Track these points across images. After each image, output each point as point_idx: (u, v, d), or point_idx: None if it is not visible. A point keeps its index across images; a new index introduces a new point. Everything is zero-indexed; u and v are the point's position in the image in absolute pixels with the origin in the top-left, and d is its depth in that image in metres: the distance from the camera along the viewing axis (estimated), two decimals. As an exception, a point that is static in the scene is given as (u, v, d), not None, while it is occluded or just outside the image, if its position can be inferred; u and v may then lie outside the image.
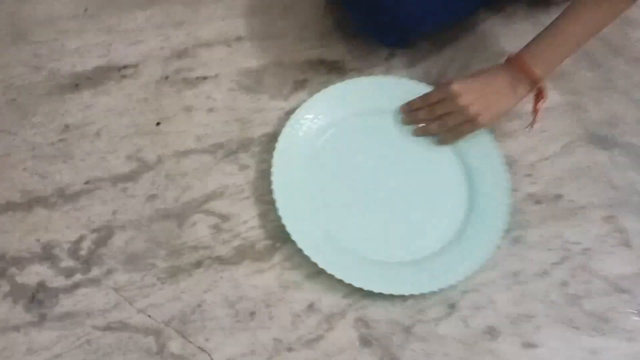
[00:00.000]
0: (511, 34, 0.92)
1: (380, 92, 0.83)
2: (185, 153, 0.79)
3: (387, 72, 0.87)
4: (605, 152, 0.84)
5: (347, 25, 0.88)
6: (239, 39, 0.87)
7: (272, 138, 0.80)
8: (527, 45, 0.75)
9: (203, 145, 0.80)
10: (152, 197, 0.76)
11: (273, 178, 0.75)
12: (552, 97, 0.88)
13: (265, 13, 0.90)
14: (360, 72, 0.87)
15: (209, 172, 0.78)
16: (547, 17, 0.92)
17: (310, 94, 0.82)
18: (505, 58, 0.76)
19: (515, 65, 0.74)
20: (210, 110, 0.82)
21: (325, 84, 0.84)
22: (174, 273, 0.72)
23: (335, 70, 0.87)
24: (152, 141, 0.79)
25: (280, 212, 0.73)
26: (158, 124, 0.81)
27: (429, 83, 0.85)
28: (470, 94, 0.76)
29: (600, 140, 0.85)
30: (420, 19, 0.79)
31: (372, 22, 0.79)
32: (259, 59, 0.86)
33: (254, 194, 0.77)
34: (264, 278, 0.73)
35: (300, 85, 0.85)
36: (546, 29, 0.74)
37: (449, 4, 0.80)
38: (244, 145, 0.80)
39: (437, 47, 0.89)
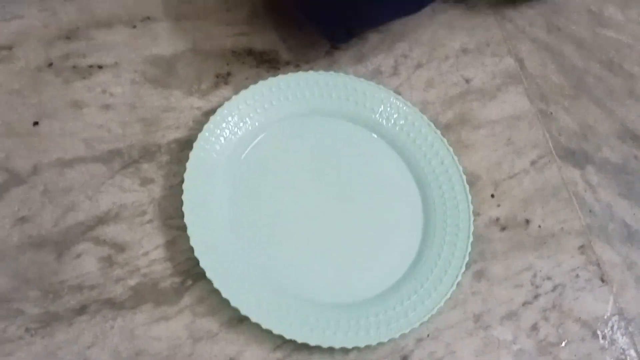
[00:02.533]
0: (472, 28, 0.82)
1: (321, 91, 0.71)
2: (71, 162, 0.63)
3: (330, 67, 0.74)
4: (577, 170, 0.75)
5: (283, 8, 0.75)
6: (146, 18, 0.72)
7: (185, 145, 0.66)
8: None
9: (95, 152, 0.64)
10: (22, 220, 0.60)
11: (185, 197, 0.61)
12: (521, 103, 0.78)
13: (182, -12, 0.75)
14: (296, 66, 0.74)
15: (102, 188, 0.63)
16: (512, 11, 0.83)
17: (235, 91, 0.69)
18: None
19: None
20: (106, 107, 0.67)
21: (254, 79, 0.70)
22: (48, 322, 0.57)
23: (266, 62, 0.73)
24: (26, 145, 0.63)
25: (193, 241, 0.59)
26: (36, 123, 0.64)
27: (379, 81, 0.74)
28: None
29: (573, 156, 0.76)
30: (374, 11, 0.67)
31: (319, 10, 0.66)
32: (172, 44, 0.72)
33: (159, 217, 0.63)
34: (169, 327, 0.58)
35: (222, 79, 0.71)
36: None
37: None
38: (149, 153, 0.65)
39: (388, 40, 0.78)
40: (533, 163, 0.75)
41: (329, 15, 0.67)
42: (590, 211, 0.73)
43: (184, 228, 0.59)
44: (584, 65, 0.83)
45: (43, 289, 0.58)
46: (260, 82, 0.69)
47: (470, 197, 0.68)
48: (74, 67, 0.68)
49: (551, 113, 0.78)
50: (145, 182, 0.64)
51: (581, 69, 0.82)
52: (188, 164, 0.63)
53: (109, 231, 0.61)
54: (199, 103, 0.69)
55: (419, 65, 0.77)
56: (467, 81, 0.78)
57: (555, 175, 0.74)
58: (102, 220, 0.62)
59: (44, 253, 0.59)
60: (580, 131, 0.78)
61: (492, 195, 0.72)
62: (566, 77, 0.81)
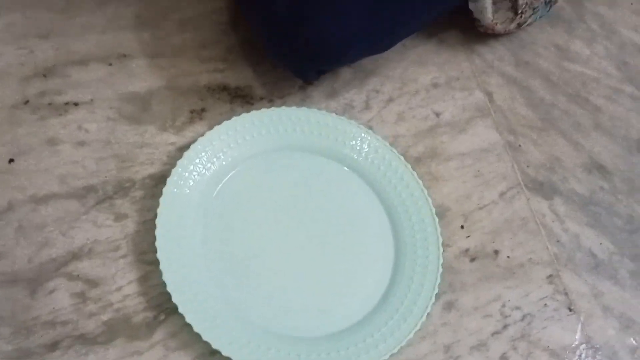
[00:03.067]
0: (442, 63, 0.85)
1: (294, 126, 0.73)
2: (45, 198, 0.65)
3: (303, 102, 0.77)
4: (545, 201, 0.77)
5: (256, 46, 0.78)
6: (122, 56, 0.74)
7: (159, 180, 0.68)
8: None
9: (69, 188, 0.66)
10: (-4, 257, 0.61)
11: (158, 232, 0.62)
12: (490, 136, 0.81)
13: (158, 26, 0.77)
14: (270, 101, 0.76)
15: (76, 223, 0.64)
16: (482, 46, 0.86)
17: (210, 127, 0.71)
18: None
19: None
20: (81, 144, 0.68)
21: (228, 115, 0.72)
22: (19, 359, 0.57)
23: (240, 98, 0.75)
24: (1, 183, 0.65)
25: (165, 276, 0.60)
26: (11, 160, 0.66)
27: (351, 116, 0.76)
28: None
29: (541, 187, 0.78)
30: (344, 53, 0.70)
31: (289, 53, 0.69)
32: (147, 81, 0.74)
33: (132, 252, 0.64)
34: (141, 361, 0.59)
35: (197, 115, 0.73)
36: None
37: (377, 36, 0.71)
38: (123, 188, 0.67)
39: (359, 76, 0.80)
40: (502, 195, 0.77)
41: (298, 58, 0.69)
42: (557, 241, 0.75)
43: (157, 263, 0.61)
44: (551, 98, 0.86)
45: (15, 326, 0.59)
46: (234, 118, 0.71)
47: (439, 229, 0.70)
48: (50, 104, 0.70)
49: (519, 145, 0.81)
50: (119, 217, 0.66)
51: (548, 103, 0.85)
52: (161, 200, 0.64)
53: (83, 267, 0.62)
54: (173, 139, 0.71)
55: (390, 100, 0.80)
56: (438, 115, 0.81)
57: (524, 207, 0.77)
58: (75, 255, 0.63)
59: (17, 289, 0.60)
60: (548, 163, 0.80)
61: (462, 227, 0.74)
62: (534, 110, 0.84)
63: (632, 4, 0.97)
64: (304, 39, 0.65)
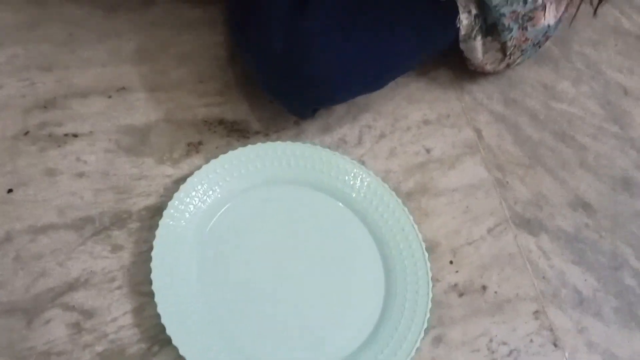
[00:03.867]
0: (433, 100, 0.88)
1: (289, 161, 0.75)
2: (43, 229, 0.66)
3: (297, 137, 0.79)
4: (532, 238, 0.80)
5: (253, 81, 0.80)
6: (122, 89, 0.76)
7: (155, 212, 0.69)
8: None
9: (67, 219, 0.67)
10: (-7, 287, 0.62)
11: (153, 264, 0.64)
12: (478, 172, 0.83)
13: (157, 60, 0.79)
14: (265, 135, 0.78)
15: (73, 254, 0.66)
16: (471, 84, 0.89)
17: (206, 160, 0.73)
18: None
19: None
20: (80, 175, 0.70)
21: (224, 148, 0.75)
22: (14, 389, 0.59)
23: (236, 132, 0.77)
24: (0, 213, 0.66)
25: (160, 308, 0.62)
26: (10, 190, 0.67)
27: (344, 151, 0.78)
28: None
29: (527, 224, 0.81)
30: (339, 93, 0.73)
31: (285, 92, 0.71)
32: (146, 114, 0.76)
33: (128, 283, 0.65)
34: (134, 393, 0.61)
35: (194, 148, 0.75)
36: None
37: (371, 76, 0.74)
38: (120, 220, 0.69)
39: (353, 111, 0.83)
40: (490, 230, 0.79)
41: (293, 97, 0.72)
42: (543, 277, 0.77)
43: (152, 294, 0.62)
44: (538, 136, 0.89)
45: (12, 356, 0.60)
46: (230, 152, 0.73)
47: (429, 265, 0.72)
48: (50, 135, 0.71)
49: (507, 182, 0.83)
50: (116, 248, 0.67)
51: (535, 140, 0.88)
52: (157, 232, 0.66)
53: (79, 297, 0.64)
54: (170, 171, 0.73)
55: (382, 136, 0.83)
56: (428, 151, 0.83)
57: (511, 243, 0.79)
58: (72, 286, 0.64)
59: (14, 320, 0.61)
60: (535, 200, 0.83)
61: (451, 262, 0.76)
62: (521, 147, 0.87)
63: (616, 45, 1.01)
64: (300, 80, 0.68)
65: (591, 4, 0.82)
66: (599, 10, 0.89)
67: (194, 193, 0.70)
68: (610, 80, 0.97)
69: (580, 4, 0.86)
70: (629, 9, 1.04)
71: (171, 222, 0.67)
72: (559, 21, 0.84)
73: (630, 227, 0.84)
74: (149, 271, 0.63)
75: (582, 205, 0.84)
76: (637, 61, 1.00)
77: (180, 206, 0.68)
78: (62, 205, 0.68)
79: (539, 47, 0.87)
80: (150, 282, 0.63)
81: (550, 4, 0.81)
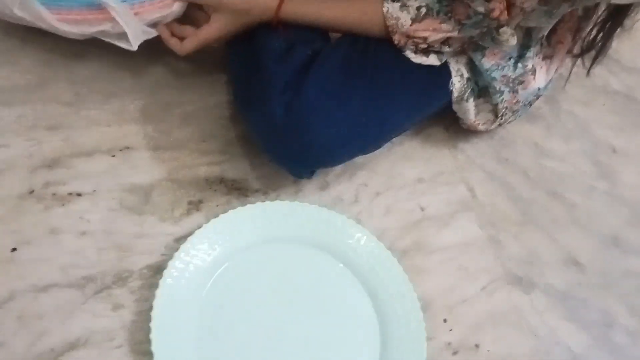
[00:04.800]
0: (427, 159, 0.90)
1: (287, 220, 0.77)
2: (46, 288, 0.68)
3: (296, 195, 0.81)
4: (525, 295, 0.82)
5: (253, 140, 0.82)
6: (126, 148, 0.79)
7: (156, 271, 0.71)
8: None
9: (69, 277, 0.69)
10: (-5, 346, 0.63)
11: (153, 324, 0.65)
12: (472, 230, 0.85)
13: (161, 120, 0.82)
14: (265, 194, 0.80)
15: (74, 313, 0.67)
16: (465, 143, 0.92)
17: (207, 218, 0.75)
18: None
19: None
20: (83, 233, 0.72)
21: (224, 207, 0.77)
22: None
23: (236, 190, 0.80)
24: (3, 271, 0.67)
25: (159, 368, 0.63)
26: (14, 249, 0.69)
27: (341, 209, 0.81)
28: None
29: (520, 282, 0.83)
30: (337, 157, 0.77)
31: (284, 155, 0.74)
32: (149, 173, 0.78)
33: (128, 342, 0.67)
34: None
35: (195, 206, 0.77)
36: None
37: (368, 141, 0.77)
38: (121, 278, 0.70)
39: (349, 170, 0.85)
40: (483, 288, 0.81)
41: (293, 160, 0.74)
42: (536, 335, 0.79)
43: (152, 354, 0.63)
44: (530, 194, 0.91)
45: (11, 417, 0.60)
46: (230, 211, 0.75)
47: (423, 323, 0.73)
48: (54, 194, 0.73)
49: (500, 240, 0.85)
50: (117, 307, 0.68)
51: (528, 198, 0.90)
52: (157, 292, 0.67)
53: (79, 356, 0.65)
54: (171, 229, 0.75)
55: (378, 194, 0.85)
56: (423, 209, 0.85)
57: (504, 300, 0.81)
58: (73, 345, 0.65)
59: (14, 379, 0.62)
60: (527, 258, 0.85)
61: (445, 320, 0.77)
62: (514, 205, 0.89)
63: (604, 104, 1.05)
64: (300, 147, 0.71)
65: (584, 64, 0.86)
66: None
67: (194, 252, 0.72)
68: (599, 138, 1.00)
69: (573, 66, 0.89)
70: (618, 68, 1.08)
71: (171, 282, 0.69)
72: (550, 82, 0.88)
73: (621, 284, 0.85)
74: (149, 330, 0.65)
75: (574, 262, 0.86)
76: (625, 120, 1.03)
77: (180, 265, 0.70)
78: (65, 264, 0.69)
79: (530, 105, 0.90)
80: (150, 342, 0.64)
81: (541, 67, 0.84)
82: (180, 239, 0.73)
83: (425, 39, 0.74)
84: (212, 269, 0.72)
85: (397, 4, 0.73)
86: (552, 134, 0.99)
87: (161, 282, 0.68)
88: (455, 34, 0.73)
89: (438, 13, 0.72)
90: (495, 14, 0.69)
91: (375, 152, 0.84)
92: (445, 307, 0.78)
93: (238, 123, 0.84)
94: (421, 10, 0.72)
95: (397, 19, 0.73)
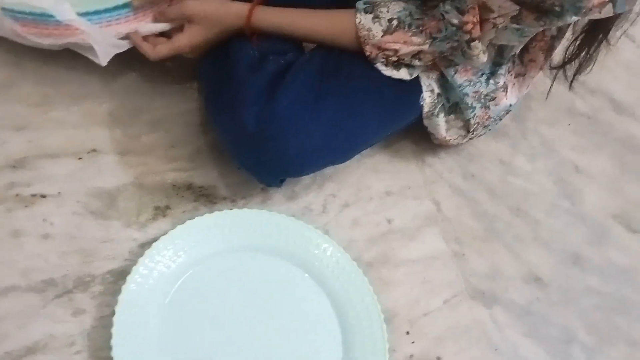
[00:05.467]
0: (395, 172, 0.91)
1: (254, 228, 0.77)
2: (6, 291, 0.67)
3: (264, 204, 0.82)
4: (486, 310, 0.83)
5: (222, 148, 0.82)
6: (93, 151, 0.78)
7: (119, 276, 0.70)
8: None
9: (30, 281, 0.68)
10: (-50, 350, 0.62)
11: (114, 330, 0.65)
12: (437, 244, 0.87)
13: (130, 124, 0.82)
14: (233, 201, 0.80)
15: (34, 317, 0.66)
16: (432, 158, 0.93)
17: (173, 224, 0.75)
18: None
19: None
20: (45, 237, 0.71)
21: (192, 213, 0.77)
22: None
23: (204, 197, 0.80)
24: (-38, 274, 0.66)
25: (119, 375, 0.62)
26: (-27, 251, 0.68)
27: (309, 219, 0.81)
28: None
29: (482, 296, 0.84)
30: (307, 167, 0.77)
31: (255, 163, 0.75)
32: (115, 177, 0.77)
33: (88, 348, 0.66)
34: None
35: (161, 212, 0.77)
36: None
37: (338, 152, 0.78)
38: (83, 283, 0.69)
39: (318, 180, 0.86)
40: (446, 302, 0.82)
41: (263, 168, 0.75)
42: (496, 350, 0.80)
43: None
44: (494, 210, 0.93)
45: (-37, 422, 0.59)
46: (197, 218, 0.75)
47: (386, 335, 0.74)
48: (17, 195, 0.72)
49: (464, 254, 0.87)
50: (77, 312, 0.68)
51: (492, 214, 0.92)
52: (120, 297, 0.67)
53: (37, 362, 0.64)
54: (136, 235, 0.74)
55: (346, 205, 0.86)
56: (390, 221, 0.86)
57: (466, 314, 0.82)
58: (31, 350, 0.64)
59: (-32, 384, 0.61)
60: (490, 273, 0.86)
61: (408, 332, 0.78)
62: (479, 221, 0.91)
63: (569, 124, 1.07)
64: (272, 156, 0.71)
65: (566, 78, 0.86)
66: (553, 90, 0.94)
67: (158, 258, 0.71)
68: (563, 158, 1.02)
69: (554, 80, 0.89)
70: (583, 90, 1.11)
71: (134, 287, 0.68)
72: (521, 98, 0.89)
73: (580, 301, 0.87)
74: (110, 336, 0.64)
75: (535, 278, 0.88)
76: (588, 141, 1.05)
77: (144, 271, 0.70)
78: (26, 267, 0.69)
79: (501, 119, 0.92)
80: (111, 348, 0.63)
81: (513, 85, 0.86)
82: (145, 245, 0.72)
83: (396, 51, 0.75)
84: (176, 276, 0.72)
85: (370, 16, 0.74)
86: (517, 151, 1.01)
87: (124, 287, 0.68)
88: (426, 47, 0.74)
89: (410, 26, 0.73)
90: (468, 27, 0.70)
91: (344, 163, 0.85)
92: (409, 319, 0.79)
93: (208, 130, 0.84)
94: (392, 22, 0.73)
95: (369, 30, 0.74)
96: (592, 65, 0.83)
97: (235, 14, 0.75)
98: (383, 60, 0.77)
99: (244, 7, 0.75)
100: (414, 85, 0.81)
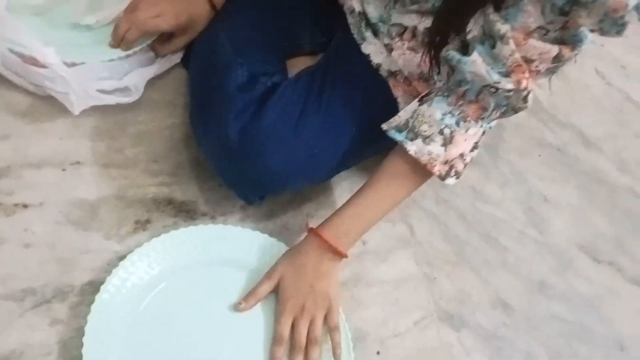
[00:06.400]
0: (373, 195, 0.94)
1: (230, 244, 0.79)
2: (-17, 298, 0.67)
3: (242, 221, 0.83)
4: (454, 333, 0.86)
5: (204, 164, 0.84)
6: (76, 163, 0.79)
7: (97, 287, 0.71)
8: (330, 220, 0.76)
9: (8, 289, 0.69)
10: None
11: (85, 338, 0.66)
12: (409, 266, 0.89)
13: (114, 138, 0.83)
14: (212, 218, 0.82)
15: (11, 325, 0.67)
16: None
17: (152, 238, 0.76)
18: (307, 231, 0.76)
19: (320, 242, 0.75)
20: (26, 246, 0.72)
21: (171, 228, 0.78)
22: None
23: (184, 212, 0.81)
24: (-60, 279, 0.67)
25: (92, 385, 0.63)
26: (-47, 257, 0.69)
27: (285, 238, 0.83)
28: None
29: (451, 319, 0.87)
30: (287, 185, 0.79)
31: (236, 178, 0.77)
32: (98, 189, 0.79)
33: (64, 358, 0.67)
34: None
35: (141, 226, 0.78)
36: (348, 202, 0.77)
37: (318, 172, 0.81)
38: (62, 293, 0.70)
39: (297, 200, 0.88)
40: (416, 323, 0.85)
41: (244, 184, 0.77)
42: (463, 372, 0.83)
43: (85, 369, 0.64)
44: (465, 235, 0.96)
45: None
46: (172, 232, 0.76)
47: (353, 355, 0.76)
48: (0, 204, 0.73)
49: (435, 277, 0.90)
50: (55, 322, 0.69)
51: (462, 239, 0.95)
52: (93, 307, 0.68)
53: (12, 370, 0.65)
54: (116, 247, 0.76)
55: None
56: (364, 242, 0.89)
57: (434, 337, 0.84)
58: (6, 358, 0.65)
59: (-58, 390, 0.62)
60: (459, 296, 0.89)
61: (378, 352, 0.80)
62: (450, 245, 0.94)
63: (539, 155, 1.11)
64: (254, 172, 0.73)
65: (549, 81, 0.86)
66: (525, 123, 0.98)
67: (133, 269, 0.73)
68: (532, 187, 1.06)
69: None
70: (553, 123, 1.15)
71: (107, 297, 0.70)
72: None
73: (544, 328, 0.91)
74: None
75: (502, 304, 0.91)
76: (557, 172, 1.10)
77: (117, 282, 0.71)
78: (5, 275, 0.69)
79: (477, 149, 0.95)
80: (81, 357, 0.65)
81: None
82: (124, 257, 0.73)
83: (462, 155, 0.72)
84: (149, 288, 0.73)
85: (418, 141, 0.71)
86: (489, 179, 1.04)
87: (97, 297, 0.69)
88: (481, 131, 0.72)
89: (458, 123, 0.70)
90: (524, 84, 0.67)
91: (323, 184, 0.87)
92: (379, 340, 0.81)
93: (191, 146, 0.86)
94: (444, 131, 0.70)
95: (430, 153, 0.71)
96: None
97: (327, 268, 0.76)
98: (454, 175, 0.75)
99: None
100: (394, 108, 0.84)
